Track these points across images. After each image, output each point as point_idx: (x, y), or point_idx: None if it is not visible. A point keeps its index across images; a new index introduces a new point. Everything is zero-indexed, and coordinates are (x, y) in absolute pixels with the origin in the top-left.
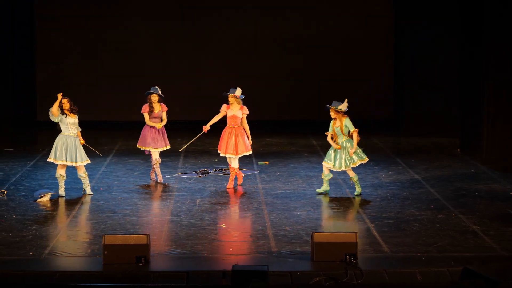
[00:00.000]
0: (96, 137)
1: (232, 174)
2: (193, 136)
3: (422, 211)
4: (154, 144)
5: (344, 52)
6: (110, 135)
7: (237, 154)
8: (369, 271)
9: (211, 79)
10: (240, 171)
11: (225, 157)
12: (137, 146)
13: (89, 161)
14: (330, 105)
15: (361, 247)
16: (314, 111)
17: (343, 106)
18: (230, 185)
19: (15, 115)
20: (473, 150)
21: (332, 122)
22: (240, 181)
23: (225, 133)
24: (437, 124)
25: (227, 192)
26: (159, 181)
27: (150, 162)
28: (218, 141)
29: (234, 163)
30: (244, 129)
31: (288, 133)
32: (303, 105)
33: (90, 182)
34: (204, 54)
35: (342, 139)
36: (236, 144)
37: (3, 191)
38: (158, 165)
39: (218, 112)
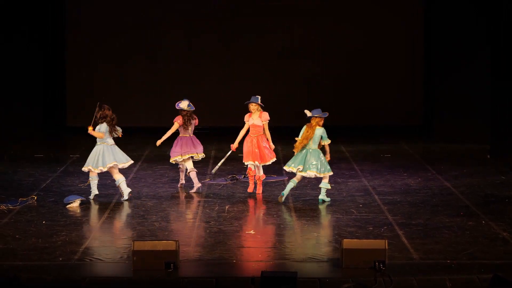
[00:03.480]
0: (126, 143)
1: (258, 182)
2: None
3: (451, 218)
4: (186, 150)
5: (374, 57)
6: (140, 141)
7: (262, 162)
8: (398, 278)
9: (243, 85)
10: (261, 180)
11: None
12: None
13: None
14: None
15: (390, 254)
16: (344, 117)
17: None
18: (251, 190)
19: (45, 121)
20: (504, 156)
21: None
22: (259, 190)
23: (247, 142)
24: (468, 130)
25: (255, 198)
26: (195, 191)
27: (179, 169)
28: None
29: (258, 171)
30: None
31: None
32: (332, 111)
33: (119, 188)
34: (235, 60)
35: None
36: (261, 153)
37: (33, 197)
38: (194, 173)
39: (243, 123)
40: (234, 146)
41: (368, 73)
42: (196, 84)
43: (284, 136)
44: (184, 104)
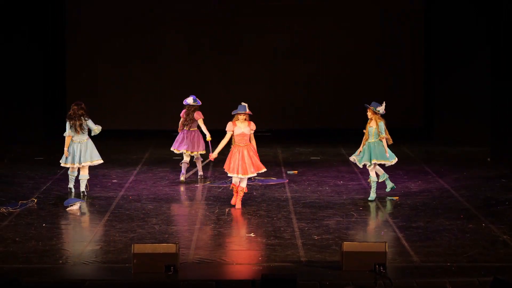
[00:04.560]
0: (126, 146)
1: (240, 194)
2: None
3: (452, 221)
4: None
5: (374, 58)
6: (140, 144)
7: (257, 170)
8: (399, 281)
9: (243, 87)
10: (242, 194)
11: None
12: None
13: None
14: (370, 105)
15: (390, 257)
16: (344, 119)
17: (381, 109)
18: (235, 202)
19: (45, 124)
20: (504, 159)
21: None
22: (239, 206)
23: (233, 151)
24: (468, 132)
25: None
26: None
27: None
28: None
29: (243, 183)
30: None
31: (318, 142)
32: (332, 113)
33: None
34: (235, 63)
35: (372, 139)
36: (252, 162)
37: (33, 200)
38: (185, 164)
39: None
40: (213, 156)
41: (368, 74)
42: (197, 85)
43: (283, 139)
44: (190, 100)
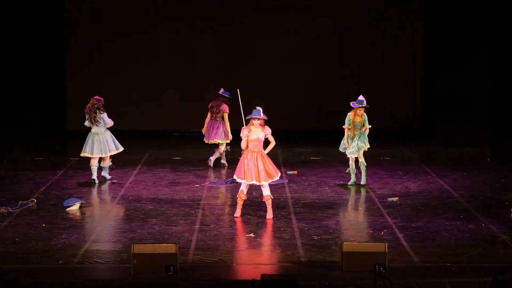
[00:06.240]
0: (126, 146)
1: (269, 202)
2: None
3: (451, 221)
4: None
5: (374, 61)
6: (140, 144)
7: (270, 178)
8: (399, 281)
9: (242, 88)
10: (271, 202)
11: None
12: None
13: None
14: (362, 104)
15: (390, 257)
16: (344, 120)
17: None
18: (238, 214)
19: (45, 124)
20: (504, 159)
21: (352, 116)
22: (270, 214)
23: (247, 157)
24: (468, 132)
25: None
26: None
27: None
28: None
29: (265, 191)
30: (267, 147)
31: (317, 143)
32: (332, 114)
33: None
34: (236, 65)
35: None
36: (265, 170)
37: (33, 200)
38: (217, 153)
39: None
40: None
41: (367, 74)
42: (197, 86)
43: (283, 139)
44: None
